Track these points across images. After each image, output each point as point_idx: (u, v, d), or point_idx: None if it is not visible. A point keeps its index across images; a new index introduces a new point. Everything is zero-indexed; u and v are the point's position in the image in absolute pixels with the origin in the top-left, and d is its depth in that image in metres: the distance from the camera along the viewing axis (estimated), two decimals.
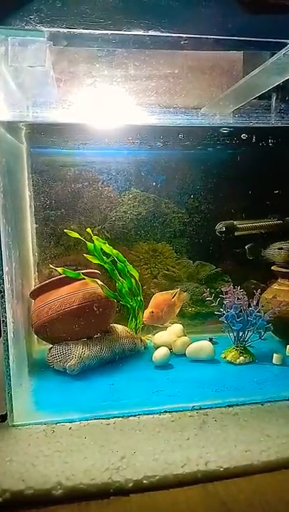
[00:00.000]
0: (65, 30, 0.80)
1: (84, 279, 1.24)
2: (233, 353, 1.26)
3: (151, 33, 0.81)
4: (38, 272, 1.41)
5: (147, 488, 0.75)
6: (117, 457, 0.81)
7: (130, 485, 0.75)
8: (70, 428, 0.92)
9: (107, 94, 0.96)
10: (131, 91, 0.94)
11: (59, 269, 1.22)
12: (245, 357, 1.24)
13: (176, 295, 1.37)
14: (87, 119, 1.01)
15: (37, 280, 1.40)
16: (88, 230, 1.29)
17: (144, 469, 0.77)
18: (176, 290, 1.37)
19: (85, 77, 0.92)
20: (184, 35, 0.84)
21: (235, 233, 1.46)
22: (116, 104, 0.96)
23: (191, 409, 0.99)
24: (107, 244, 1.31)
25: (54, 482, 0.74)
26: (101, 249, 1.29)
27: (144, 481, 0.75)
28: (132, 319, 1.38)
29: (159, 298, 1.32)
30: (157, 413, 0.97)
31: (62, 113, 0.98)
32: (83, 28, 0.80)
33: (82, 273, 1.26)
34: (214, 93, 1.16)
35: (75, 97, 0.96)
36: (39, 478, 0.75)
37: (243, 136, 1.31)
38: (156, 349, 1.26)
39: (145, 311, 1.28)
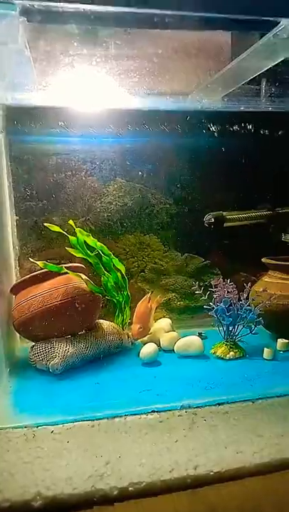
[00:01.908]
0: (40, 3, 0.73)
1: (67, 273, 1.18)
2: (223, 348, 1.22)
3: (132, 9, 0.74)
4: (19, 266, 1.35)
5: (133, 495, 0.71)
6: (101, 463, 0.76)
7: (115, 493, 0.70)
8: (53, 431, 0.87)
9: (88, 75, 0.90)
10: (113, 72, 0.88)
11: (40, 263, 1.16)
12: (235, 352, 1.21)
13: (152, 299, 1.31)
14: (68, 101, 0.95)
15: (18, 275, 1.34)
16: (70, 222, 1.23)
17: (129, 475, 0.73)
18: (148, 295, 1.30)
19: (63, 57, 0.85)
20: (168, 12, 0.78)
21: (225, 224, 1.41)
22: (97, 85, 0.90)
23: (180, 409, 0.94)
24: (91, 237, 1.25)
25: (33, 493, 0.69)
26: (84, 242, 1.23)
27: (130, 488, 0.71)
28: (118, 314, 1.33)
29: (141, 309, 1.26)
30: (145, 413, 0.93)
31: (41, 95, 0.91)
32: (59, 2, 0.73)
33: (65, 267, 1.20)
34: (201, 77, 1.10)
35: (54, 79, 0.89)
36: (17, 488, 0.70)
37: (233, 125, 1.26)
38: (143, 345, 1.22)
39: (132, 326, 1.23)
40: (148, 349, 1.19)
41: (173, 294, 1.48)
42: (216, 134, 1.30)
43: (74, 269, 1.22)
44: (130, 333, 1.28)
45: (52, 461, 0.77)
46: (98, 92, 0.92)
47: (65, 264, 1.25)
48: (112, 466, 0.76)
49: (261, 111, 1.22)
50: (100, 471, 0.74)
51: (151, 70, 0.93)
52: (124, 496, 0.70)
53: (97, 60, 0.86)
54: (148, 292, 1.34)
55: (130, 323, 1.32)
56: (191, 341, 1.23)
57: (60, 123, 1.22)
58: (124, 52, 0.86)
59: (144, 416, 0.92)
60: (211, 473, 0.75)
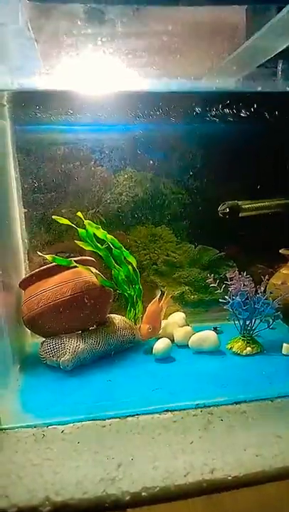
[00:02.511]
0: None
1: (76, 267, 1.15)
2: (240, 343, 1.17)
3: None
4: (28, 260, 1.32)
5: (146, 501, 0.67)
6: (112, 465, 0.73)
7: (127, 498, 0.67)
8: (63, 431, 0.84)
9: (95, 56, 0.84)
10: (120, 52, 0.83)
11: (48, 257, 1.12)
12: (252, 347, 1.16)
13: (163, 300, 1.26)
14: (74, 85, 0.89)
15: (28, 269, 1.31)
16: (79, 214, 1.19)
17: (142, 479, 0.69)
18: (158, 295, 1.25)
19: (68, 38, 0.80)
20: None
21: (240, 214, 1.35)
22: (105, 66, 0.84)
23: (195, 408, 0.90)
24: (100, 229, 1.21)
25: (42, 498, 0.66)
26: (94, 235, 1.19)
27: (143, 493, 0.67)
28: (130, 309, 1.29)
29: (152, 309, 1.20)
30: (158, 413, 0.89)
31: (46, 79, 0.86)
32: None
33: (75, 260, 1.16)
34: (215, 58, 1.03)
35: (59, 61, 0.84)
36: (25, 493, 0.67)
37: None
38: (156, 340, 1.18)
39: (141, 326, 1.18)
40: (161, 344, 1.15)
41: (186, 288, 1.43)
42: (231, 118, 1.23)
43: (84, 263, 1.19)
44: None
45: (62, 463, 0.74)
46: (106, 73, 0.86)
47: (75, 257, 1.21)
48: (124, 469, 0.72)
49: (281, 94, 1.14)
50: (111, 475, 0.71)
51: (162, 50, 0.88)
52: (137, 501, 0.67)
53: (103, 40, 0.80)
54: (160, 286, 1.29)
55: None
56: (206, 336, 1.18)
57: (66, 110, 1.17)
58: (132, 31, 0.81)
59: (158, 415, 0.89)
60: (229, 477, 0.71)
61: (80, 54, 0.84)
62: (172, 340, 1.21)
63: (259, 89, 0.97)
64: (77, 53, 0.84)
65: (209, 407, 0.91)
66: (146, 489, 0.68)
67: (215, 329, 1.30)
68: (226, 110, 1.22)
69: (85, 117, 1.23)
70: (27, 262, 1.31)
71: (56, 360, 1.08)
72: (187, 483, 0.69)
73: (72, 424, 0.86)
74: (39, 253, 1.19)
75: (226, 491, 0.70)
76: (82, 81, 0.88)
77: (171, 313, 1.35)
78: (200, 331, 1.21)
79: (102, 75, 0.87)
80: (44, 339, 1.14)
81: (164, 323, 1.28)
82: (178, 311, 1.38)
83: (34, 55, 0.85)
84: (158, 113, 1.20)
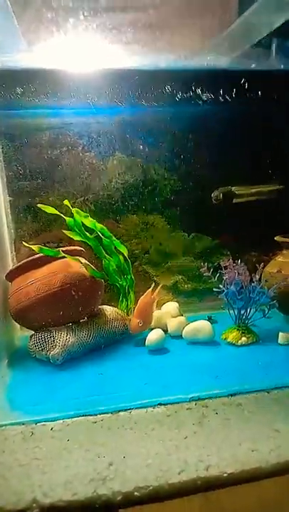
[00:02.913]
0: None
1: (65, 257, 1.10)
2: (235, 333, 1.15)
3: None
4: (15, 250, 1.27)
5: (139, 501, 0.64)
6: (103, 464, 0.70)
7: (119, 498, 0.64)
8: (52, 428, 0.81)
9: (79, 31, 0.79)
10: (105, 27, 0.77)
11: (34, 248, 1.07)
12: (247, 337, 1.13)
13: (155, 291, 1.22)
14: (57, 63, 0.84)
15: (15, 260, 1.26)
16: (66, 202, 1.14)
17: (135, 478, 0.67)
18: (151, 287, 1.21)
19: (47, 11, 0.74)
20: None
21: (234, 201, 1.31)
22: (90, 42, 0.79)
23: (189, 401, 0.88)
24: (89, 218, 1.16)
25: (29, 500, 0.63)
26: (83, 224, 1.14)
27: (136, 493, 0.65)
28: (122, 299, 1.25)
29: (143, 302, 1.17)
30: (151, 406, 0.86)
31: (28, 56, 0.80)
32: None
33: (63, 251, 1.12)
34: (206, 35, 0.98)
35: (41, 37, 0.78)
36: (11, 496, 0.64)
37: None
38: (149, 331, 1.15)
39: (132, 320, 1.14)
40: (154, 336, 1.12)
41: (180, 277, 1.40)
42: (224, 100, 1.18)
43: (73, 253, 1.14)
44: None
45: (50, 462, 0.71)
46: (91, 50, 0.80)
47: (63, 247, 1.16)
48: (116, 467, 0.69)
49: (275, 74, 1.09)
50: (102, 474, 0.68)
51: (150, 26, 0.82)
52: (129, 501, 0.64)
53: (85, 15, 0.75)
54: (153, 276, 1.25)
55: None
56: (201, 326, 1.15)
57: (51, 91, 1.11)
58: (117, 4, 0.75)
59: (151, 409, 0.86)
60: (225, 474, 0.68)
61: (62, 30, 0.78)
62: (166, 331, 1.18)
63: (253, 66, 0.91)
64: (59, 29, 0.79)
65: (204, 399, 0.88)
66: (139, 489, 0.65)
67: (209, 318, 1.27)
68: (219, 91, 1.17)
69: (71, 100, 1.17)
70: (14, 252, 1.27)
71: (46, 354, 1.05)
72: (181, 481, 0.66)
73: (62, 421, 0.83)
74: (24, 244, 1.14)
75: (222, 488, 0.67)
76: (66, 58, 0.82)
77: (164, 303, 1.31)
78: (194, 320, 1.18)
79: (87, 52, 0.81)
80: (33, 332, 1.10)
81: (157, 313, 1.25)
82: (171, 300, 1.35)
83: (14, 31, 0.79)
84: (147, 94, 1.15)
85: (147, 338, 1.12)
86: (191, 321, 1.18)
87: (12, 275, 1.13)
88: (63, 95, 1.16)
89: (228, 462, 0.70)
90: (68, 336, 1.06)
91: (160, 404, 0.87)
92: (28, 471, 0.69)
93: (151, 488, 0.65)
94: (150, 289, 1.19)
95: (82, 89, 1.14)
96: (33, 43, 0.79)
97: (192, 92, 1.16)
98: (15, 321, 1.14)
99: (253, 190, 1.31)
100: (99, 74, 1.00)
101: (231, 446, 0.74)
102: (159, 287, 1.23)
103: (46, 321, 1.08)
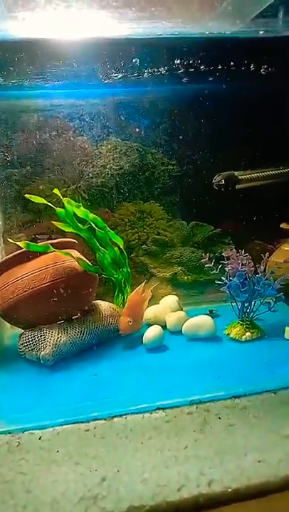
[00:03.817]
0: None
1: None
2: (238, 328, 1.08)
3: None
4: (4, 243, 1.19)
5: None
6: (95, 479, 0.64)
7: None
8: (41, 438, 0.75)
9: None
10: None
11: (21, 244, 0.99)
12: (252, 333, 1.06)
13: (146, 288, 1.14)
14: (43, 33, 0.74)
15: (3, 253, 1.19)
16: (56, 191, 1.05)
17: (129, 496, 0.60)
18: (142, 284, 1.13)
19: None
20: None
21: (237, 186, 1.23)
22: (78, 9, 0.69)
23: (190, 404, 0.81)
24: (81, 208, 1.08)
25: None
26: (74, 214, 1.06)
27: None
28: (118, 294, 1.19)
29: (133, 300, 1.09)
30: (148, 411, 0.80)
31: (11, 26, 0.71)
32: None
33: (54, 244, 1.04)
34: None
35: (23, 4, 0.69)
36: None
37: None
38: (147, 327, 1.08)
39: (121, 319, 1.06)
40: (152, 333, 1.05)
41: (179, 268, 1.33)
42: (227, 76, 1.09)
43: (64, 245, 1.07)
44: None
45: (37, 477, 0.65)
46: (80, 17, 0.71)
47: (55, 239, 1.09)
48: (109, 483, 0.63)
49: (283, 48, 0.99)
50: (93, 491, 0.61)
51: None
52: None
53: None
54: (150, 268, 1.17)
55: None
56: (202, 322, 1.09)
57: (38, 69, 1.02)
58: None
59: (148, 415, 0.80)
60: (229, 490, 0.61)
61: None
62: (164, 327, 1.11)
63: (261, 33, 0.81)
64: None
65: (205, 402, 0.82)
66: (134, 509, 0.59)
67: (210, 312, 1.21)
68: (221, 66, 1.07)
69: (60, 78, 1.08)
70: (2, 245, 1.19)
71: (36, 355, 0.99)
72: (181, 498, 0.60)
73: (51, 429, 0.77)
74: (10, 240, 1.06)
75: (226, 505, 0.61)
76: (53, 28, 0.72)
77: (162, 297, 1.24)
78: (195, 315, 1.11)
79: (76, 19, 0.72)
80: (22, 331, 1.04)
81: (155, 307, 1.18)
82: (170, 293, 1.28)
83: None
84: (143, 70, 1.06)
85: (144, 335, 1.05)
86: (191, 316, 1.11)
87: None
88: (51, 73, 1.07)
89: (232, 476, 0.63)
90: (60, 334, 1.00)
91: (158, 408, 0.80)
92: (12, 488, 0.63)
93: (147, 507, 0.59)
94: (141, 286, 1.12)
95: (71, 67, 1.05)
96: (12, 9, 0.70)
97: (192, 68, 1.07)
98: (2, 319, 1.08)
99: (258, 175, 1.23)
100: (90, 47, 0.91)
101: (236, 456, 0.67)
102: (151, 284, 1.15)
103: (36, 318, 1.02)
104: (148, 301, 1.16)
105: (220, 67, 1.10)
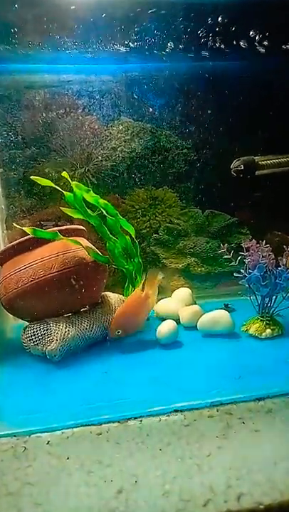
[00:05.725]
0: None
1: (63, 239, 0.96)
2: (258, 324, 1.02)
3: None
4: (7, 229, 1.13)
5: None
6: (111, 491, 0.57)
7: None
8: (49, 442, 0.69)
9: None
10: None
11: (27, 229, 0.92)
12: (272, 329, 1.00)
13: (148, 285, 1.03)
14: None
15: (6, 240, 1.12)
16: (64, 174, 0.98)
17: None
18: (142, 282, 1.03)
19: None
20: None
21: (256, 172, 1.17)
22: None
23: (210, 406, 0.75)
24: (91, 193, 1.01)
25: None
26: (84, 199, 0.99)
27: None
28: (128, 285, 1.13)
29: (129, 305, 0.99)
30: (165, 414, 0.74)
31: None
32: None
33: (62, 230, 0.97)
34: None
35: None
36: None
37: None
38: (160, 321, 1.02)
39: (111, 327, 0.97)
40: (166, 328, 0.99)
41: (193, 259, 1.27)
42: (248, 53, 1.01)
43: (71, 233, 1.00)
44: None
45: (45, 488, 0.59)
46: None
47: (62, 226, 1.02)
48: (126, 496, 0.57)
49: None
50: (109, 506, 0.55)
51: None
52: None
53: None
54: (162, 258, 1.10)
55: None
56: (219, 316, 1.03)
57: (44, 41, 0.94)
58: None
59: (165, 417, 0.73)
60: (261, 506, 0.55)
61: None
62: (177, 321, 1.05)
63: None
64: None
65: (226, 404, 0.76)
66: None
67: (226, 306, 1.16)
68: (243, 42, 0.99)
69: (68, 51, 1.00)
70: (6, 231, 1.13)
71: (42, 349, 0.93)
72: None
73: (60, 432, 0.71)
74: (15, 225, 0.99)
75: None
76: None
77: (174, 290, 1.18)
78: (209, 309, 1.06)
79: None
80: (27, 324, 0.97)
81: (167, 300, 1.11)
82: (182, 286, 1.21)
83: None
84: (158, 44, 0.98)
85: (158, 330, 0.99)
86: (205, 310, 1.06)
87: (2, 258, 0.99)
88: (58, 46, 0.99)
89: (263, 489, 0.57)
90: (67, 328, 0.94)
91: (176, 410, 0.74)
92: (17, 501, 0.56)
93: None
94: (140, 285, 1.03)
95: (80, 39, 0.97)
96: None
97: (211, 43, 0.99)
98: (6, 310, 1.01)
99: (279, 161, 1.17)
100: (99, 11, 0.83)
101: (265, 466, 0.61)
102: (155, 279, 1.03)
103: (42, 311, 0.96)
104: (157, 295, 1.06)
105: (237, 46, 1.03)
